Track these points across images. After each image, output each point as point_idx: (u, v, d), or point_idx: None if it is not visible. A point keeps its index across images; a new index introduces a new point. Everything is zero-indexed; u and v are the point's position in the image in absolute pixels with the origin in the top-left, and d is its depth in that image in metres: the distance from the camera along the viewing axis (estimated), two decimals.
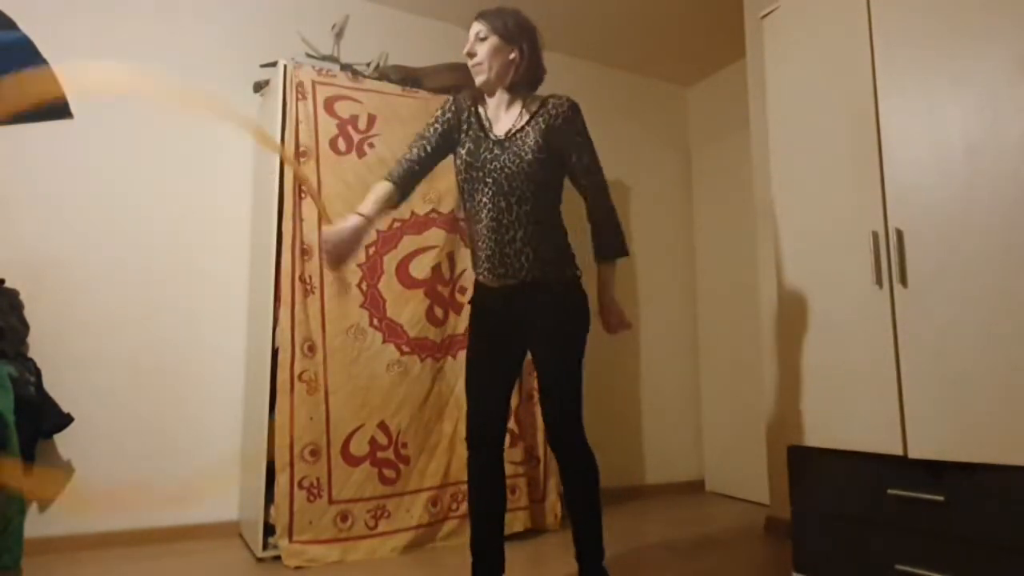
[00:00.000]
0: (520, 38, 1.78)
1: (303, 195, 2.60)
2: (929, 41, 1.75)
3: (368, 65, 2.91)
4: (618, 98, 4.13)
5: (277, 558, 2.40)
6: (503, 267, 1.74)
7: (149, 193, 2.84)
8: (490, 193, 1.73)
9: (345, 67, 2.83)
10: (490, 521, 1.81)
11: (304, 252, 2.57)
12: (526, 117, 1.77)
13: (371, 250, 2.70)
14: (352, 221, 1.71)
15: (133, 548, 2.58)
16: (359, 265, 2.67)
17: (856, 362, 1.89)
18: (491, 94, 1.82)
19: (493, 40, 1.76)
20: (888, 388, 1.78)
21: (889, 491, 1.77)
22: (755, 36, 3.00)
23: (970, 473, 1.60)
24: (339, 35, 2.88)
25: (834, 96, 2.01)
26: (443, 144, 1.86)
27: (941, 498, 1.65)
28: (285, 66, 2.66)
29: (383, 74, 2.88)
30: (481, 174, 1.75)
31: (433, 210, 2.84)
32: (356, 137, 2.73)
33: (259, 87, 2.95)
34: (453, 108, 1.87)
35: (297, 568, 2.34)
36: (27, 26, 1.21)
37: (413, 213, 2.80)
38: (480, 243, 1.78)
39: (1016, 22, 1.58)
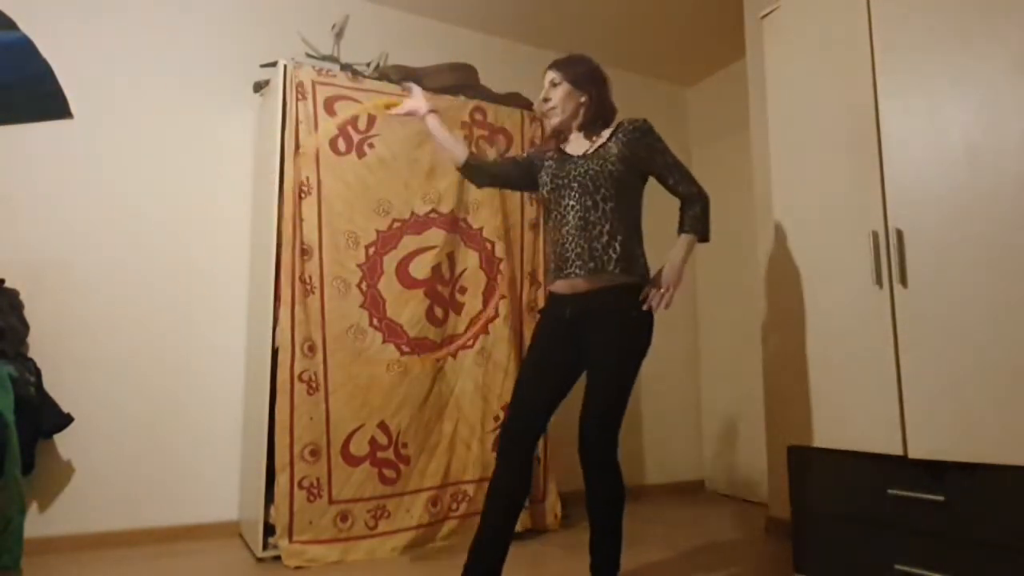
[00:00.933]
0: (589, 85, 1.96)
1: (303, 195, 2.60)
2: (929, 41, 1.75)
3: (368, 65, 2.91)
4: (618, 98, 4.12)
5: (277, 558, 2.40)
6: (592, 261, 1.81)
7: (149, 193, 2.84)
8: (576, 196, 1.85)
9: (345, 67, 2.83)
10: (502, 530, 1.81)
11: (304, 252, 2.57)
12: (606, 136, 1.92)
13: (371, 250, 2.70)
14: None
15: (133, 548, 2.59)
16: (359, 265, 2.67)
17: (856, 362, 1.89)
18: (566, 133, 1.99)
19: (565, 87, 1.94)
20: (888, 388, 1.78)
21: (889, 491, 1.77)
22: (755, 36, 3.00)
23: (970, 473, 1.61)
24: (339, 35, 2.87)
25: (834, 96, 2.01)
26: (526, 165, 2.06)
27: (941, 498, 1.65)
28: (285, 66, 2.66)
29: (383, 74, 2.88)
30: (567, 180, 1.88)
31: (433, 210, 2.84)
32: (356, 137, 2.73)
33: (259, 87, 2.95)
34: (533, 150, 2.10)
35: (297, 568, 2.34)
36: (27, 26, 1.21)
37: (413, 213, 2.80)
38: (567, 245, 1.85)
39: (1016, 22, 1.58)
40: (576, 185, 1.86)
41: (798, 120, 2.15)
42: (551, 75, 1.96)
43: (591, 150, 1.90)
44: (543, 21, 3.59)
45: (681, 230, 1.91)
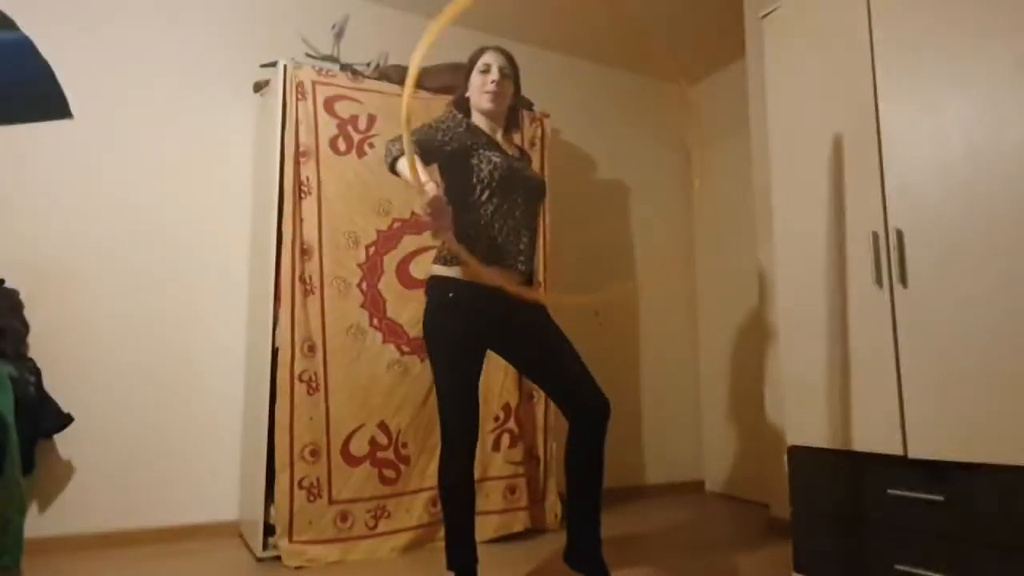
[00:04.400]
0: (518, 90, 2.07)
1: (303, 195, 2.60)
2: (929, 41, 1.75)
3: (368, 65, 2.91)
4: (618, 98, 4.13)
5: (277, 558, 2.40)
6: (524, 262, 1.91)
7: (149, 193, 2.84)
8: (523, 195, 1.94)
9: (345, 67, 2.83)
10: (470, 524, 1.89)
11: (304, 252, 2.57)
12: (518, 144, 2.07)
13: (371, 250, 2.70)
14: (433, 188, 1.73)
15: (133, 548, 2.59)
16: (359, 265, 2.67)
17: (856, 362, 1.89)
18: (493, 122, 2.03)
19: (509, 82, 2.02)
20: (888, 388, 1.78)
21: (889, 491, 1.77)
22: (755, 36, 3.00)
23: (970, 473, 1.60)
24: (339, 35, 2.87)
25: (834, 96, 2.01)
26: (460, 151, 1.95)
27: (941, 498, 1.65)
28: (285, 66, 2.66)
29: (383, 74, 2.88)
30: (512, 176, 1.92)
31: None
32: (356, 137, 2.73)
33: (259, 87, 2.95)
34: (444, 124, 1.94)
35: (297, 568, 2.35)
36: (27, 26, 1.21)
37: (413, 213, 2.80)
38: (509, 237, 1.89)
39: (1016, 22, 1.58)
40: (522, 184, 1.94)
41: (798, 120, 2.15)
42: (502, 63, 1.99)
43: (517, 154, 2.06)
44: (543, 21, 3.59)
45: None
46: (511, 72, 2.01)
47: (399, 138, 1.76)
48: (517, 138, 2.11)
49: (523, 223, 1.93)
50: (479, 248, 1.84)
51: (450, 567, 1.87)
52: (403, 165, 1.78)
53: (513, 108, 2.07)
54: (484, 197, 1.89)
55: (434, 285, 1.89)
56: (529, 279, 1.95)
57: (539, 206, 2.06)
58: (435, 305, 1.88)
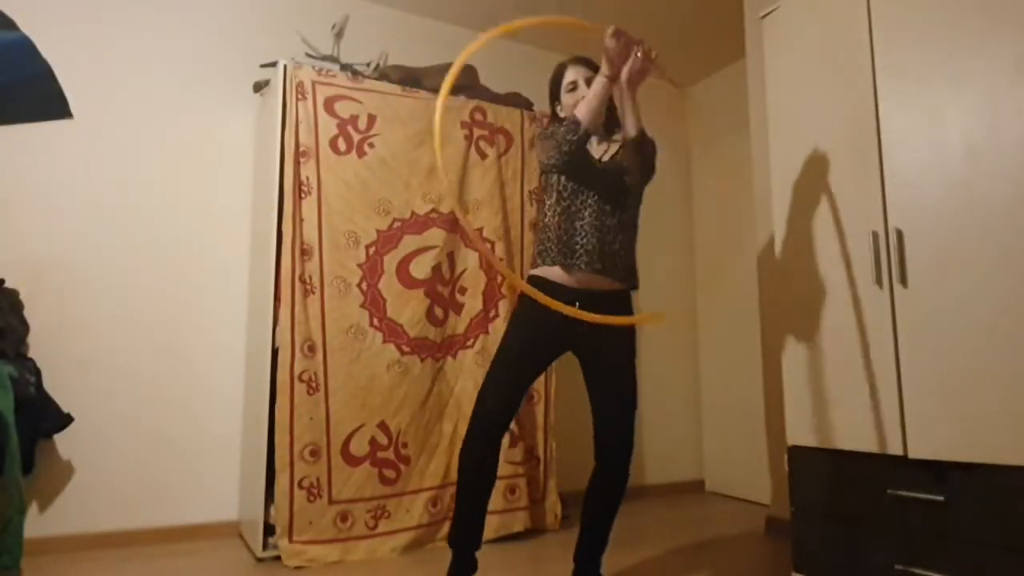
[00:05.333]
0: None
1: (303, 195, 2.60)
2: (929, 41, 1.75)
3: (368, 65, 2.91)
4: None
5: (277, 558, 2.40)
6: (601, 261, 1.89)
7: (149, 193, 2.84)
8: (596, 198, 1.91)
9: (345, 67, 2.83)
10: (484, 496, 1.89)
11: (304, 252, 2.57)
12: (617, 145, 1.98)
13: (371, 250, 2.70)
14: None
15: (133, 548, 2.59)
16: (359, 265, 2.67)
17: (856, 362, 1.89)
18: (595, 130, 1.95)
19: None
20: (888, 388, 1.78)
21: (889, 491, 1.77)
22: (755, 36, 3.00)
23: (970, 473, 1.60)
24: (339, 35, 2.87)
25: (834, 96, 2.01)
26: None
27: (941, 498, 1.65)
28: (285, 66, 2.66)
29: (383, 74, 2.88)
30: (588, 179, 1.91)
31: (433, 210, 2.84)
32: (356, 137, 2.73)
33: (259, 87, 2.95)
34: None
35: (297, 568, 2.34)
36: (27, 27, 1.21)
37: (413, 213, 2.80)
38: (576, 238, 1.89)
39: (1016, 22, 1.58)
40: (599, 187, 1.91)
41: (798, 120, 2.15)
42: (588, 75, 1.95)
43: (606, 156, 1.98)
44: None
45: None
46: (593, 75, 1.94)
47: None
48: (617, 141, 2.01)
49: (595, 224, 1.90)
50: (556, 248, 1.90)
51: (453, 544, 1.90)
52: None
53: (611, 110, 1.98)
54: (558, 197, 1.94)
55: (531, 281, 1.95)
56: (608, 282, 1.92)
57: (620, 204, 1.96)
58: (519, 298, 1.96)
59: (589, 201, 1.91)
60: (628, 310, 1.99)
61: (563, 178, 1.95)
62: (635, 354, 1.99)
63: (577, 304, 1.84)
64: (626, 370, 1.96)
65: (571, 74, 1.97)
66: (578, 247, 1.88)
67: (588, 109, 1.80)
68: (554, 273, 1.91)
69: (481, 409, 1.87)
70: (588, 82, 1.93)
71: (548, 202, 1.97)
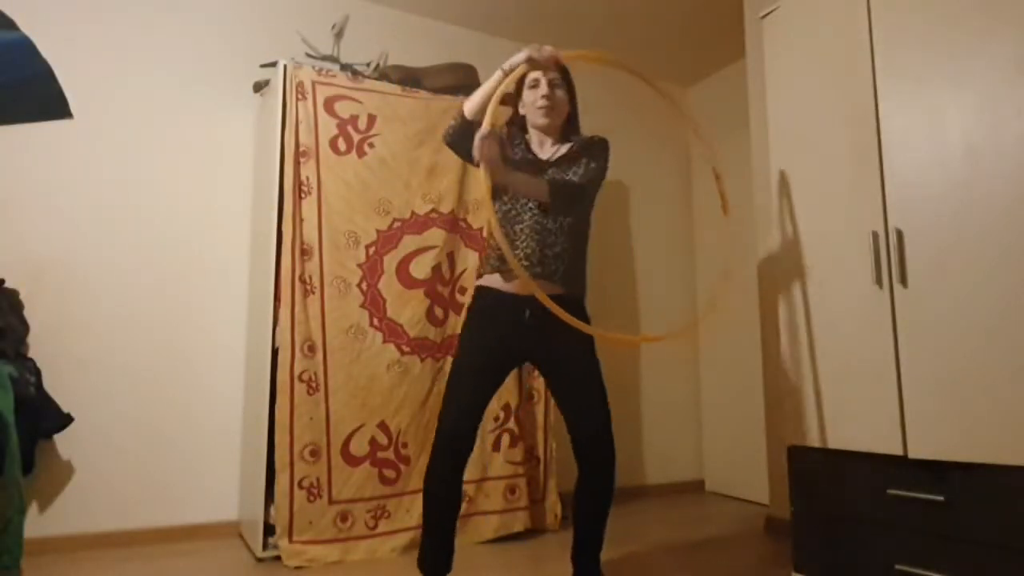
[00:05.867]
0: (574, 97, 2.03)
1: (303, 195, 2.60)
2: (929, 41, 1.75)
3: (368, 65, 2.91)
4: (618, 98, 4.13)
5: (277, 558, 2.40)
6: (540, 266, 1.83)
7: (149, 193, 2.84)
8: (536, 200, 1.86)
9: (345, 67, 2.83)
10: (453, 516, 1.88)
11: (304, 252, 2.57)
12: (567, 147, 1.96)
13: (371, 250, 2.70)
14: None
15: (133, 548, 2.58)
16: (359, 265, 2.67)
17: (856, 362, 1.89)
18: (544, 134, 1.99)
19: (562, 92, 1.97)
20: (888, 388, 1.78)
21: (889, 491, 1.77)
22: (755, 36, 3.00)
23: (970, 473, 1.61)
24: (339, 35, 2.87)
25: (834, 96, 2.01)
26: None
27: (941, 498, 1.65)
28: (285, 66, 2.66)
29: (383, 74, 2.88)
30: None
31: (433, 210, 2.84)
32: (356, 137, 2.73)
33: (259, 87, 2.95)
34: (503, 130, 2.00)
35: (297, 568, 2.34)
36: (27, 27, 1.21)
37: (413, 213, 2.80)
38: (517, 243, 1.85)
39: (1015, 22, 1.58)
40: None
41: (798, 120, 2.15)
42: (552, 75, 1.95)
43: (554, 157, 1.94)
44: (543, 21, 3.59)
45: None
46: (562, 82, 1.96)
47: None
48: (567, 144, 2.00)
49: (535, 227, 1.85)
50: (496, 257, 1.87)
51: (421, 568, 1.87)
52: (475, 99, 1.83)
53: (570, 117, 2.01)
54: (501, 200, 1.92)
55: (476, 293, 1.94)
56: (553, 287, 1.85)
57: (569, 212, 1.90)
58: (471, 310, 1.93)
59: (530, 204, 1.87)
60: (582, 316, 1.90)
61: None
62: (595, 353, 1.90)
63: (527, 313, 1.83)
64: (589, 371, 1.89)
65: (535, 72, 1.96)
66: (517, 251, 1.84)
67: (471, 102, 1.84)
68: (495, 280, 1.89)
69: (444, 428, 1.84)
70: (550, 82, 1.93)
71: (496, 205, 1.93)
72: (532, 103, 1.95)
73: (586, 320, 1.92)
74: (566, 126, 2.01)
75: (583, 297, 1.95)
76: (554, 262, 1.84)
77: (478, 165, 1.71)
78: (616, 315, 3.85)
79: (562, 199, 1.84)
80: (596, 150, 1.93)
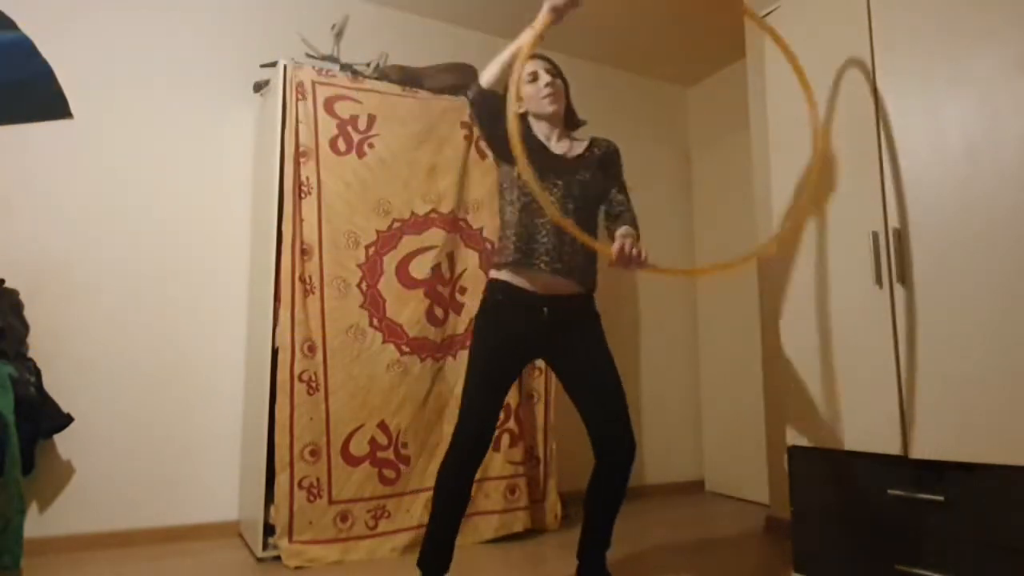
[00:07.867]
0: (568, 89, 2.06)
1: (303, 195, 2.60)
2: (929, 41, 1.75)
3: (368, 65, 2.91)
4: (618, 98, 4.13)
5: (277, 558, 2.40)
6: (560, 262, 1.85)
7: (149, 193, 2.84)
8: (560, 195, 1.89)
9: (345, 67, 2.83)
10: (459, 518, 1.90)
11: (304, 252, 2.57)
12: (583, 147, 2.01)
13: (371, 250, 2.70)
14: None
15: (133, 548, 2.59)
16: (359, 265, 2.67)
17: (856, 362, 1.89)
18: (550, 125, 2.01)
19: (559, 83, 2.01)
20: (888, 388, 1.78)
21: (889, 491, 1.77)
22: (755, 36, 3.00)
23: (970, 473, 1.60)
24: (339, 35, 2.87)
25: (834, 96, 2.01)
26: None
27: (941, 498, 1.65)
28: (285, 66, 2.66)
29: (383, 74, 2.88)
30: (551, 176, 1.90)
31: (433, 210, 2.84)
32: (356, 137, 2.73)
33: (259, 87, 2.95)
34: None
35: (297, 568, 2.34)
36: (27, 27, 1.21)
37: (413, 213, 2.80)
38: (537, 237, 1.86)
39: (1015, 22, 1.58)
40: (561, 184, 1.90)
41: (798, 120, 2.15)
42: (545, 65, 1.98)
43: (571, 154, 1.98)
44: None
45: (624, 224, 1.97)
46: (555, 70, 2.00)
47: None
48: (581, 143, 2.05)
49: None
50: (516, 250, 1.87)
51: (421, 566, 1.88)
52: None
53: (568, 107, 2.05)
54: (518, 193, 1.91)
55: (487, 287, 1.95)
56: (571, 286, 1.90)
57: (580, 205, 1.93)
58: (485, 304, 1.93)
59: (552, 198, 1.87)
60: (593, 315, 1.96)
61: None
62: (606, 343, 1.93)
63: (546, 311, 1.85)
64: (603, 360, 1.91)
65: (531, 65, 1.97)
66: (538, 245, 1.85)
67: (493, 66, 1.80)
68: (517, 278, 1.89)
69: (468, 430, 1.85)
70: (548, 72, 1.96)
71: (508, 198, 1.93)
72: (536, 95, 1.97)
73: (594, 316, 1.96)
74: (567, 116, 2.06)
75: (594, 291, 1.98)
76: (574, 257, 1.87)
77: (494, 138, 1.77)
78: (616, 314, 3.85)
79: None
80: (619, 164, 2.04)
